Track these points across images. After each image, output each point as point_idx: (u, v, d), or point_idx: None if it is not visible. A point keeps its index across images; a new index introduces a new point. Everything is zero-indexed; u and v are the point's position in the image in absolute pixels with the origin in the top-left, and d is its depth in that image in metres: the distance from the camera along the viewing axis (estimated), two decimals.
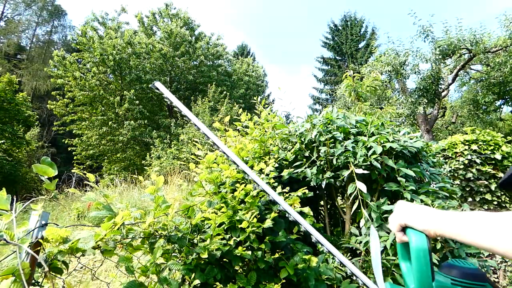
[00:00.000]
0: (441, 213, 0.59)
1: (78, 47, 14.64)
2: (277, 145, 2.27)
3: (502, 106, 12.80)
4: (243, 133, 2.40)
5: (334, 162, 1.98)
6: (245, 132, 2.39)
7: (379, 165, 1.86)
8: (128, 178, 8.55)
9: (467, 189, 3.92)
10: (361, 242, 1.88)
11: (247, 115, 2.38)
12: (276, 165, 2.00)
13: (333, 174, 2.01)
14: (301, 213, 1.63)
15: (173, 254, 1.43)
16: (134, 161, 14.03)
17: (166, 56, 15.10)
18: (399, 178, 1.87)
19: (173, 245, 1.36)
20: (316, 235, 1.13)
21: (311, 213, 1.64)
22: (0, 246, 0.93)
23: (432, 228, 0.58)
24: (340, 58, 24.58)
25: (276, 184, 1.81)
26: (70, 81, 14.10)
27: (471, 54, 9.67)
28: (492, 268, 3.25)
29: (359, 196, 1.88)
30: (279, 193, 1.78)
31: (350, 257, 1.94)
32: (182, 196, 1.72)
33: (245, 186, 1.60)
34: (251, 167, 1.80)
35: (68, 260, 1.01)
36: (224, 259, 1.51)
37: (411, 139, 2.10)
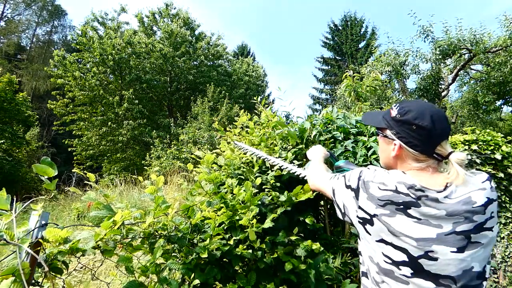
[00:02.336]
0: (314, 151, 1.37)
1: (78, 47, 14.61)
2: (277, 145, 2.26)
3: (502, 106, 12.80)
4: (243, 132, 2.39)
5: None
6: (246, 132, 2.39)
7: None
8: (128, 178, 8.55)
9: None
10: None
11: (247, 115, 2.37)
12: None
13: None
14: (300, 211, 1.62)
15: (173, 254, 1.43)
16: (134, 161, 14.01)
17: (166, 56, 15.08)
18: None
19: (173, 245, 1.36)
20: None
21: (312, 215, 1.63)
22: (0, 246, 0.93)
23: (311, 158, 1.34)
24: (340, 58, 24.56)
25: (278, 184, 1.81)
26: (70, 81, 14.07)
27: (471, 54, 9.67)
28: (492, 268, 3.25)
29: None
30: None
31: (350, 257, 1.94)
32: (182, 196, 1.72)
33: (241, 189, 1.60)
34: (252, 165, 1.81)
35: (68, 260, 1.01)
36: (224, 259, 1.51)
37: None
